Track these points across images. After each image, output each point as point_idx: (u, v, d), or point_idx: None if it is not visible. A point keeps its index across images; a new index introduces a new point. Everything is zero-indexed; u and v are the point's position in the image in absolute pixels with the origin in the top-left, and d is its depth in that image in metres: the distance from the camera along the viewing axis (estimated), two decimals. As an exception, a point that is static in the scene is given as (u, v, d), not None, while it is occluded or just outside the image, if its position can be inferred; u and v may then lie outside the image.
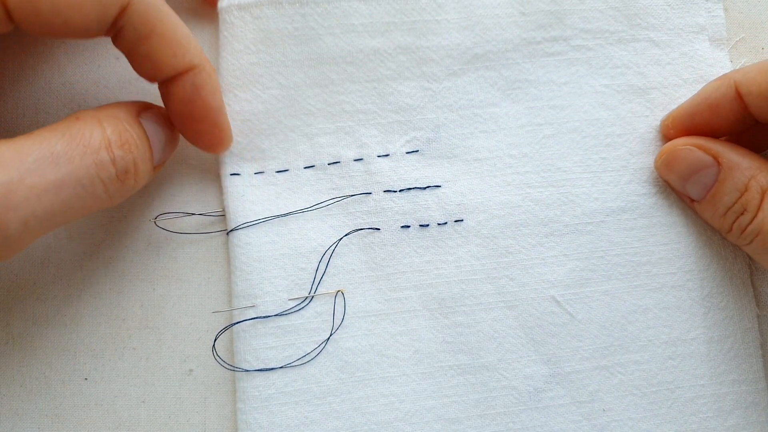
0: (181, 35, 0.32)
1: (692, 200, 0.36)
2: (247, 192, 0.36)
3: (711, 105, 0.34)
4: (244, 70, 0.36)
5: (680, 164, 0.35)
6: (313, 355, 0.35)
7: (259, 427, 0.34)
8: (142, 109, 0.33)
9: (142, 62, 0.32)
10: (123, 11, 0.30)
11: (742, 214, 0.33)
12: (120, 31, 0.31)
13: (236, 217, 0.36)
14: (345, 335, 0.35)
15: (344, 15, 0.36)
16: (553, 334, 0.36)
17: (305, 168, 0.37)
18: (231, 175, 0.36)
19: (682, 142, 0.35)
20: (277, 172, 0.37)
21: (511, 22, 0.37)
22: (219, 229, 0.37)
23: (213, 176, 0.37)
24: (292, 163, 0.37)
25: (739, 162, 0.33)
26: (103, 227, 0.36)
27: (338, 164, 0.37)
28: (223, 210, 0.36)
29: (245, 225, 0.36)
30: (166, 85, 0.33)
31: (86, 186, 0.30)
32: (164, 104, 0.34)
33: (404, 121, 0.37)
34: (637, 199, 0.37)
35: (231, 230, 0.36)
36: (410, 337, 0.36)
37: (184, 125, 0.34)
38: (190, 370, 0.36)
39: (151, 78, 0.33)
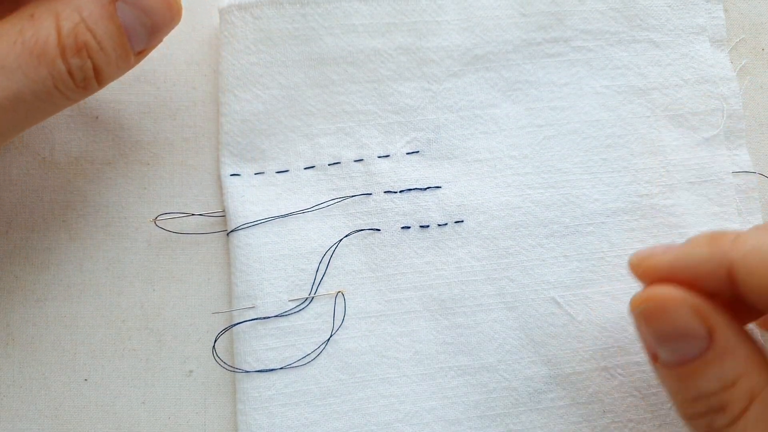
0: None
1: (655, 359, 0.28)
2: (247, 193, 0.36)
3: (698, 275, 0.27)
4: (244, 70, 0.36)
5: (663, 322, 0.27)
6: (313, 356, 0.35)
7: (259, 428, 0.34)
8: None
9: None
10: None
11: (717, 412, 0.26)
12: None
13: (236, 217, 0.36)
14: (345, 336, 0.35)
15: (345, 15, 0.36)
16: (553, 335, 0.36)
17: (305, 168, 0.37)
18: (231, 175, 0.36)
19: (674, 296, 0.27)
20: (277, 172, 0.37)
21: (511, 23, 0.37)
22: (219, 230, 0.37)
23: (213, 176, 0.37)
24: (292, 164, 0.37)
25: (736, 349, 0.26)
26: (103, 228, 0.36)
27: (338, 165, 0.37)
28: (223, 211, 0.36)
29: (245, 226, 0.36)
30: None
31: (44, 98, 0.28)
32: None
33: (404, 122, 0.37)
34: (638, 200, 0.37)
35: (231, 231, 0.36)
36: (410, 338, 0.36)
37: None
38: (190, 371, 0.36)
39: None
